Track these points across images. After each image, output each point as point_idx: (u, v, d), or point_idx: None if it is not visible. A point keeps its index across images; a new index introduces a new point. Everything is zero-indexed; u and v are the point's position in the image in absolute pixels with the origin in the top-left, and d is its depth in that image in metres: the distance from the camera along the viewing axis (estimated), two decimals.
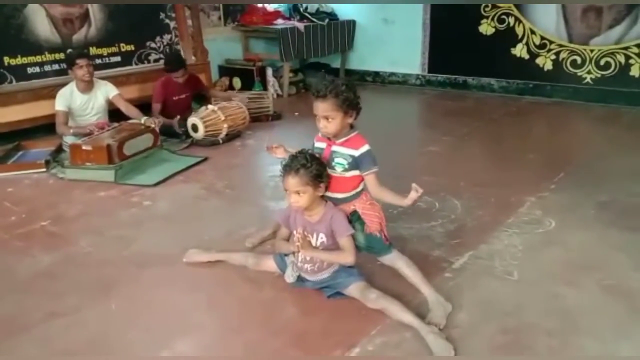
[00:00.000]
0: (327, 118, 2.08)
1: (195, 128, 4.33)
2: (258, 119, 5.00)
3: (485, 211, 2.97)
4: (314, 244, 2.16)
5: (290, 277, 2.25)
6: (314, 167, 2.04)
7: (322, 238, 2.15)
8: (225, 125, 4.37)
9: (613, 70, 5.31)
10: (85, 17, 4.96)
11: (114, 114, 4.40)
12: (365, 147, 2.13)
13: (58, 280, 2.43)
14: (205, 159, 4.04)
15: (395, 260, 2.27)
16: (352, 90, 2.11)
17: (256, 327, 2.06)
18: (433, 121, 5.38)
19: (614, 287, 2.22)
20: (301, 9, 6.65)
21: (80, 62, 4.07)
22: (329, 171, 2.14)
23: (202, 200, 3.32)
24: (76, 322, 2.11)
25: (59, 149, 4.14)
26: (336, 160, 2.14)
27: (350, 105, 2.09)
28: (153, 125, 4.05)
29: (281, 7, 6.80)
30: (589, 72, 5.46)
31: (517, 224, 2.81)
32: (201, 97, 5.08)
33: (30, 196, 3.44)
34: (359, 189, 2.21)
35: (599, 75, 5.41)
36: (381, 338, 1.94)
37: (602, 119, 5.00)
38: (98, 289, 2.33)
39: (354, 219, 2.22)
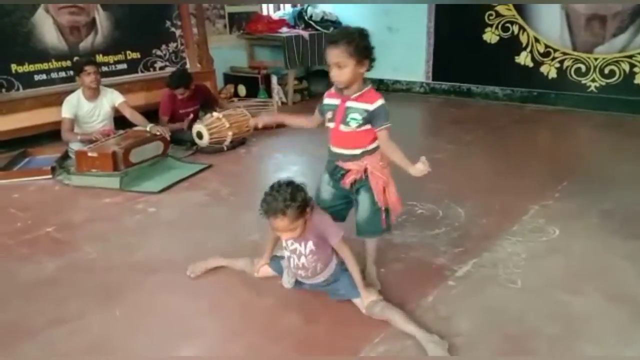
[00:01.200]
0: (338, 65, 2.01)
1: (200, 135, 4.36)
2: (263, 126, 5.01)
3: (488, 219, 2.97)
4: (303, 253, 2.13)
5: (287, 282, 2.26)
6: (296, 202, 1.95)
7: (311, 246, 2.12)
8: (230, 133, 4.39)
9: (617, 79, 5.31)
10: (92, 25, 5.01)
11: (119, 121, 4.43)
12: (380, 101, 2.07)
13: (62, 286, 2.44)
14: (210, 166, 4.06)
15: (369, 244, 2.34)
16: (366, 38, 2.04)
17: (258, 333, 2.07)
18: (437, 129, 5.39)
19: (617, 295, 2.21)
20: (306, 17, 6.69)
21: (88, 69, 4.11)
22: (342, 127, 2.09)
23: (206, 207, 3.33)
24: (80, 328, 2.11)
25: (65, 156, 4.17)
26: (351, 115, 2.07)
27: (362, 54, 2.01)
28: (159, 133, 4.07)
29: (286, 15, 6.84)
30: (593, 80, 5.46)
31: (521, 232, 2.81)
32: (209, 107, 5.10)
33: (36, 202, 3.47)
34: (372, 146, 2.14)
35: (603, 84, 5.41)
36: (384, 346, 1.94)
37: (606, 127, 4.99)
38: (102, 295, 2.34)
39: (361, 186, 2.18)
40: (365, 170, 2.15)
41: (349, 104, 2.08)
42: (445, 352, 1.87)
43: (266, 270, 2.38)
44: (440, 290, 2.28)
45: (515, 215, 2.99)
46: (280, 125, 5.13)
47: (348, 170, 2.16)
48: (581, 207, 3.07)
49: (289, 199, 1.94)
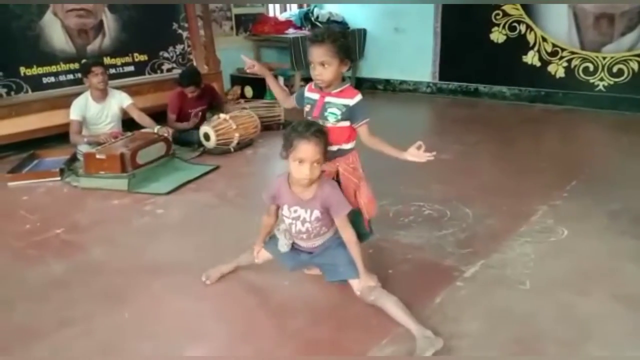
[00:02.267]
0: (322, 64, 2.06)
1: (207, 137, 4.37)
2: (269, 127, 5.03)
3: (496, 220, 2.96)
4: (308, 220, 2.10)
5: (284, 246, 2.21)
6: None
7: (317, 214, 2.08)
8: (237, 134, 4.40)
9: (626, 78, 5.28)
10: (99, 27, 5.05)
11: (127, 123, 4.45)
12: (359, 97, 2.13)
13: (71, 288, 2.45)
14: (217, 168, 4.07)
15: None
16: (348, 39, 2.13)
17: (265, 336, 2.07)
18: (444, 129, 5.37)
19: (626, 296, 2.20)
20: (312, 18, 6.70)
21: (96, 69, 4.13)
22: (320, 122, 2.12)
23: (213, 209, 3.34)
24: (89, 330, 2.12)
25: (73, 158, 4.19)
26: (329, 110, 2.12)
27: (345, 54, 2.08)
28: (166, 135, 4.09)
29: (292, 17, 6.85)
30: (601, 80, 5.43)
31: (529, 232, 2.79)
32: (215, 108, 5.11)
33: (45, 204, 3.49)
34: (348, 146, 2.17)
35: (611, 83, 5.37)
36: (392, 347, 1.94)
37: (614, 126, 4.96)
38: (111, 297, 2.35)
39: None
40: (338, 173, 2.18)
41: (327, 99, 2.13)
42: (434, 349, 1.84)
43: (264, 255, 2.36)
44: (449, 291, 2.27)
45: (524, 216, 2.97)
46: (286, 126, 5.15)
47: (322, 172, 2.19)
48: (590, 208, 3.06)
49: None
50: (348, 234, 2.10)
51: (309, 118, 2.20)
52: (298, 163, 1.96)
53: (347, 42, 2.10)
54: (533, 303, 2.18)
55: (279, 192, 2.14)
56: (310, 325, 2.11)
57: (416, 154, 2.06)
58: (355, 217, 2.20)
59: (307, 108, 2.24)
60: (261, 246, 2.37)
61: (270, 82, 2.51)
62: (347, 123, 2.13)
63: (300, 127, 1.98)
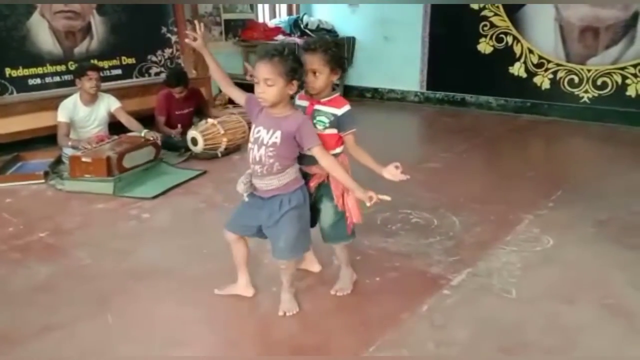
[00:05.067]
0: (314, 72, 2.08)
1: (194, 141, 4.34)
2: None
3: (483, 228, 2.98)
4: (264, 143, 2.02)
5: (240, 184, 2.13)
6: (290, 57, 1.94)
7: (277, 138, 2.00)
8: (225, 139, 4.38)
9: (610, 90, 5.37)
10: (87, 30, 5.01)
11: (114, 126, 4.41)
12: (347, 107, 2.16)
13: (54, 292, 2.41)
14: (204, 173, 4.04)
15: (337, 248, 2.36)
16: (340, 49, 2.15)
17: (253, 341, 2.06)
18: (431, 138, 5.41)
19: (613, 305, 2.22)
20: (302, 26, 6.72)
21: (91, 74, 4.11)
22: None
23: (200, 214, 3.32)
24: (72, 334, 2.09)
25: (59, 161, 4.14)
26: (318, 118, 2.14)
27: (337, 63, 2.12)
28: (152, 139, 4.06)
29: (282, 23, 6.87)
30: (586, 92, 5.51)
31: (515, 241, 2.81)
32: (201, 112, 5.10)
33: (28, 207, 3.44)
34: (337, 151, 2.19)
35: (596, 95, 5.46)
36: (379, 354, 1.93)
37: (599, 137, 5.04)
38: (95, 301, 2.32)
39: (324, 193, 2.21)
40: (328, 176, 2.19)
41: (317, 106, 2.16)
42: (293, 301, 2.17)
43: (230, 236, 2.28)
44: (436, 299, 2.28)
45: (510, 225, 3.00)
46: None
47: (313, 175, 2.21)
48: (575, 217, 3.09)
49: (285, 51, 1.95)
50: (328, 161, 2.04)
51: None
52: (255, 83, 1.98)
53: (339, 52, 2.15)
54: (519, 312, 2.19)
55: (258, 104, 2.08)
56: (298, 332, 2.10)
57: (393, 173, 2.12)
58: (339, 219, 2.22)
59: None
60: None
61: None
62: (334, 131, 2.16)
63: (264, 47, 2.01)
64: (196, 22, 2.34)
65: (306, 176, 2.22)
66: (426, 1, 6.23)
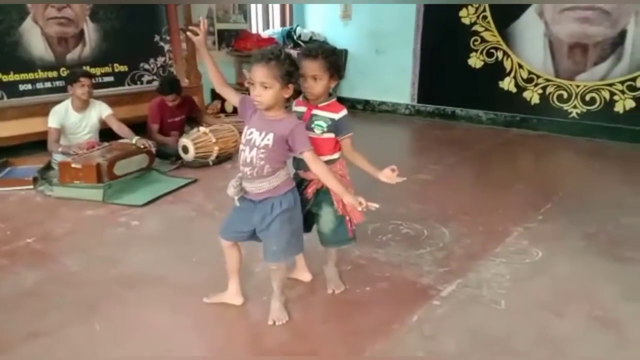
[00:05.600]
0: (314, 78, 2.12)
1: (185, 150, 4.33)
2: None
3: (473, 240, 2.99)
4: (256, 145, 2.01)
5: (231, 187, 2.12)
6: (286, 61, 1.94)
7: (269, 140, 2.00)
8: (216, 148, 4.38)
9: (598, 106, 5.44)
10: (80, 36, 5.01)
11: (105, 133, 4.40)
12: (344, 112, 2.20)
13: (42, 299, 2.38)
14: (195, 181, 4.03)
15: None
16: (339, 56, 2.17)
17: (243, 349, 2.04)
18: (422, 150, 5.44)
19: (602, 317, 2.23)
20: (295, 37, 6.76)
21: (83, 80, 4.10)
22: (308, 133, 2.11)
23: (190, 222, 3.31)
24: (59, 341, 2.06)
25: (48, 167, 4.11)
26: (316, 122, 2.17)
27: (336, 70, 2.16)
28: (142, 146, 4.05)
29: (275, 34, 6.90)
30: (574, 107, 5.58)
31: (505, 253, 2.82)
32: (193, 120, 5.10)
33: (16, 213, 3.40)
34: (333, 157, 2.22)
35: (584, 110, 5.53)
36: None
37: (588, 152, 5.09)
38: (82, 308, 2.29)
39: (323, 199, 2.23)
40: None
41: (315, 111, 2.19)
42: (283, 309, 2.17)
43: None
44: (426, 309, 2.28)
45: (499, 237, 3.01)
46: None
47: (310, 181, 2.23)
48: (564, 230, 3.11)
49: (282, 55, 1.94)
50: (318, 166, 2.05)
51: None
52: (251, 85, 1.99)
53: (338, 60, 2.19)
54: (509, 323, 2.20)
55: (252, 106, 2.06)
56: (289, 340, 2.09)
57: (389, 176, 2.15)
58: (339, 223, 2.25)
59: None
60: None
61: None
62: (332, 135, 2.19)
63: (261, 50, 2.01)
64: (201, 18, 2.35)
65: (303, 182, 2.24)
66: (423, 1, 6.27)
